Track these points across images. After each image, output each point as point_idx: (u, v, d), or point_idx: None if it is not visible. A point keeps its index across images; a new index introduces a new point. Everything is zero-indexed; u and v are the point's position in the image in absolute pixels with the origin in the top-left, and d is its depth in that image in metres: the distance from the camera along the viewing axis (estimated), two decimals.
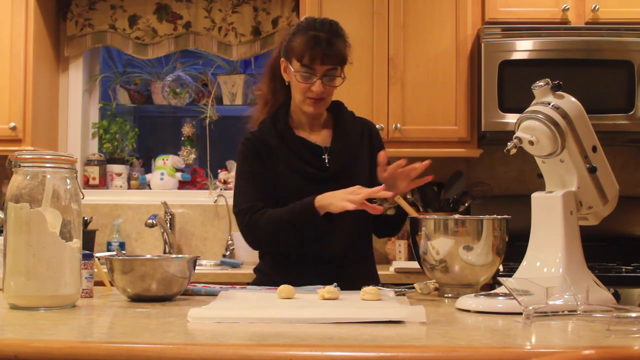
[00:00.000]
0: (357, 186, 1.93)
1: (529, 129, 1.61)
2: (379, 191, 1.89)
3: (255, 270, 2.24)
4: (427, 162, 2.01)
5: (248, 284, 2.13)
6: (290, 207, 2.00)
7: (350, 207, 1.89)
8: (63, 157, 1.58)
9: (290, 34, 2.12)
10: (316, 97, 2.08)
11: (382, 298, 1.66)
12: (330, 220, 1.96)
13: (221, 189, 3.79)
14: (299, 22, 2.16)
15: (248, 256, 3.47)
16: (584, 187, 1.64)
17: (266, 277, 2.14)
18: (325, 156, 2.14)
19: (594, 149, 1.63)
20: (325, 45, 2.04)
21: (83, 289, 1.69)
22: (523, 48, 3.25)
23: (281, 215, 2.01)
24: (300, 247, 2.06)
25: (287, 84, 2.16)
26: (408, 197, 2.02)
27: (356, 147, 2.18)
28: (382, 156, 2.02)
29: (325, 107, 2.17)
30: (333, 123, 2.22)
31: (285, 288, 1.69)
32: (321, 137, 2.19)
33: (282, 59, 2.14)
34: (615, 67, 3.23)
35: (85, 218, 3.62)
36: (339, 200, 1.91)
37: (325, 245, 2.07)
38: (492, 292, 1.63)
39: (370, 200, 1.93)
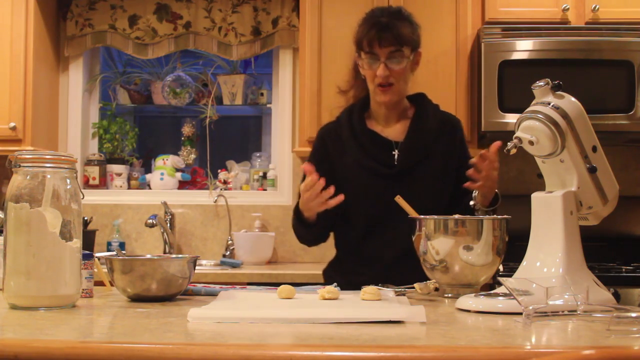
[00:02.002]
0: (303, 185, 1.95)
1: (529, 129, 1.61)
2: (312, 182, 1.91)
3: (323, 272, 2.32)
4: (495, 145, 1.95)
5: (253, 283, 2.15)
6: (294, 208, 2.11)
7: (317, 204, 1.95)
8: (63, 157, 1.58)
9: (357, 27, 2.12)
10: (382, 82, 2.06)
11: (382, 298, 1.66)
12: (308, 224, 2.05)
13: (221, 189, 3.79)
14: (367, 12, 2.15)
15: (248, 256, 3.47)
16: (584, 187, 1.63)
17: (330, 276, 2.20)
18: (395, 152, 2.12)
19: (594, 149, 1.63)
20: (383, 28, 2.03)
21: (83, 289, 1.69)
22: (523, 48, 3.25)
23: (293, 216, 2.13)
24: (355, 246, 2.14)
25: (363, 77, 2.15)
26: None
27: (431, 144, 2.13)
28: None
29: (397, 95, 2.12)
30: (412, 117, 2.17)
31: (285, 288, 1.69)
32: (396, 131, 2.16)
33: (356, 54, 2.13)
34: (615, 67, 3.23)
35: (85, 218, 3.62)
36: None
37: (379, 245, 2.08)
38: (492, 292, 1.63)
39: (470, 195, 1.94)
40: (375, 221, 2.11)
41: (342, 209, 2.09)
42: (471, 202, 1.93)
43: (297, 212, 2.09)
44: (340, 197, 1.93)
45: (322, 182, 1.91)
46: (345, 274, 2.13)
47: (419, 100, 2.20)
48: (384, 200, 2.04)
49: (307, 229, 2.10)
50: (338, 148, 2.15)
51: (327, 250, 2.35)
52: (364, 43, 2.05)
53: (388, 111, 2.16)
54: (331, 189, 1.92)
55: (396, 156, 2.11)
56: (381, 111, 2.16)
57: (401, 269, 2.00)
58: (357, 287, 1.78)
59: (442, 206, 2.07)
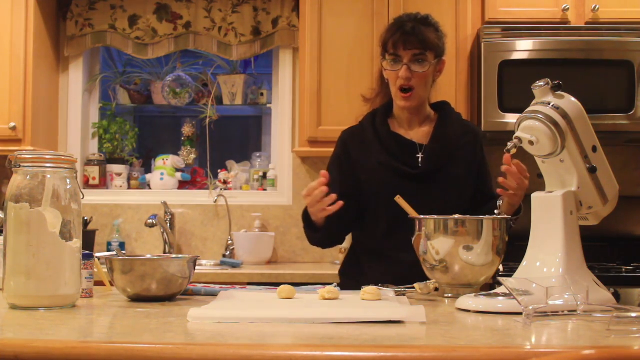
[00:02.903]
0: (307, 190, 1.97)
1: (529, 129, 1.61)
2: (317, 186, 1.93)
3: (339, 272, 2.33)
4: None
5: (253, 283, 2.16)
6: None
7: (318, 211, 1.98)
8: (63, 157, 1.58)
9: (384, 31, 2.16)
10: (404, 83, 2.08)
11: (382, 298, 1.66)
12: (315, 228, 2.06)
13: (221, 189, 3.79)
14: (394, 19, 2.20)
15: (248, 256, 3.47)
16: (584, 187, 1.63)
17: (347, 277, 2.23)
18: (420, 154, 2.14)
19: (594, 149, 1.63)
20: (409, 31, 2.06)
21: (83, 289, 1.69)
22: (523, 48, 3.25)
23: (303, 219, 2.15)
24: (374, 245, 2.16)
25: (386, 81, 2.18)
26: None
27: (454, 149, 2.15)
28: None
29: (419, 100, 2.14)
30: (436, 122, 2.20)
31: (285, 288, 1.69)
32: (419, 135, 2.18)
33: (381, 57, 2.17)
34: (615, 67, 3.23)
35: (85, 218, 3.62)
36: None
37: (400, 245, 2.06)
38: (492, 292, 1.63)
39: (495, 202, 1.93)
40: (397, 222, 2.12)
41: (355, 214, 2.13)
42: (496, 211, 1.92)
43: (306, 215, 2.10)
44: (340, 204, 1.94)
45: (324, 189, 1.92)
46: (363, 275, 2.14)
47: (443, 107, 2.24)
48: (406, 200, 2.05)
49: (315, 232, 2.12)
50: (362, 150, 2.18)
51: (327, 250, 2.36)
52: (388, 45, 2.09)
53: (411, 115, 2.19)
54: (333, 196, 1.93)
55: (420, 158, 2.13)
56: (404, 115, 2.19)
57: (420, 270, 2.00)
58: (387, 283, 1.82)
59: (461, 211, 2.06)
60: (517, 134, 1.63)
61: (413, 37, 2.06)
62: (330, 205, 1.94)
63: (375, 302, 1.62)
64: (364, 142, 2.18)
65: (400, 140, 2.16)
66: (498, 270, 1.89)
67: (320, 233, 2.10)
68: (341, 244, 2.34)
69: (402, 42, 2.06)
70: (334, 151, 2.27)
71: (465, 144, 2.19)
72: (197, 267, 1.78)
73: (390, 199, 2.08)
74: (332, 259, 3.61)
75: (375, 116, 2.21)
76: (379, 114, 2.20)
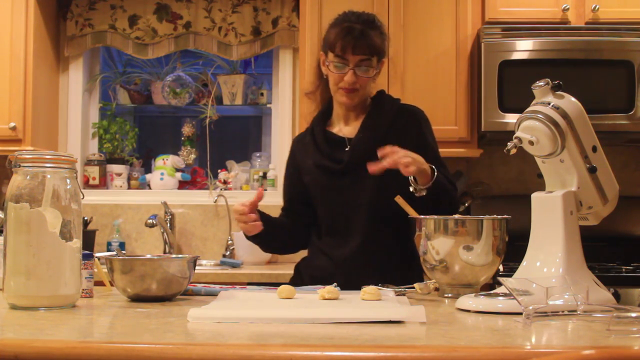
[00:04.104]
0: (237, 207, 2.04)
1: (529, 129, 1.61)
2: (245, 206, 2.03)
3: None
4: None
5: (253, 283, 2.17)
6: None
7: (243, 228, 2.06)
8: (63, 157, 1.58)
9: (329, 27, 2.17)
10: (348, 87, 2.10)
11: (382, 298, 1.66)
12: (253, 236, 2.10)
13: (221, 189, 3.79)
14: (338, 15, 2.19)
15: (248, 256, 3.47)
16: (584, 187, 1.63)
17: (299, 274, 2.26)
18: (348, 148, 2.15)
19: (594, 149, 1.63)
20: (358, 35, 2.07)
21: (83, 289, 1.69)
22: (523, 48, 3.25)
23: None
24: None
25: (325, 76, 2.18)
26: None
27: (384, 138, 2.09)
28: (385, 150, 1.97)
29: (360, 99, 2.16)
30: (367, 113, 2.19)
31: (285, 288, 1.69)
32: (351, 129, 2.19)
33: (321, 52, 2.18)
34: (615, 67, 3.23)
35: (85, 218, 3.62)
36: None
37: (343, 241, 2.11)
38: (492, 292, 1.63)
39: (407, 186, 1.97)
40: (335, 219, 2.16)
41: (310, 217, 2.21)
42: (410, 188, 1.97)
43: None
44: (258, 225, 2.04)
45: (242, 210, 2.02)
46: (311, 269, 2.21)
47: (377, 97, 2.22)
48: (339, 197, 2.12)
49: (253, 241, 2.17)
50: (304, 153, 2.22)
51: None
52: (336, 46, 2.08)
53: (347, 111, 2.20)
54: (252, 216, 2.04)
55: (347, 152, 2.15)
56: (341, 111, 2.20)
57: (355, 265, 2.08)
58: (320, 282, 1.85)
59: (404, 196, 1.98)
60: (517, 134, 1.63)
61: (362, 42, 2.07)
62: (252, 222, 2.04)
63: (375, 302, 1.62)
64: (305, 145, 2.22)
65: (330, 137, 2.18)
66: (498, 270, 1.89)
67: (257, 241, 2.16)
68: (297, 251, 2.37)
69: (350, 46, 2.07)
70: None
71: (401, 126, 2.16)
72: (197, 267, 1.78)
73: (325, 197, 2.12)
74: None
75: (316, 117, 2.24)
76: (320, 114, 2.24)
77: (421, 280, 1.93)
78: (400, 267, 2.09)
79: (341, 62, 2.09)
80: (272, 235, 2.15)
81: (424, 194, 1.97)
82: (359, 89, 2.12)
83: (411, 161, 1.92)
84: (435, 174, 1.99)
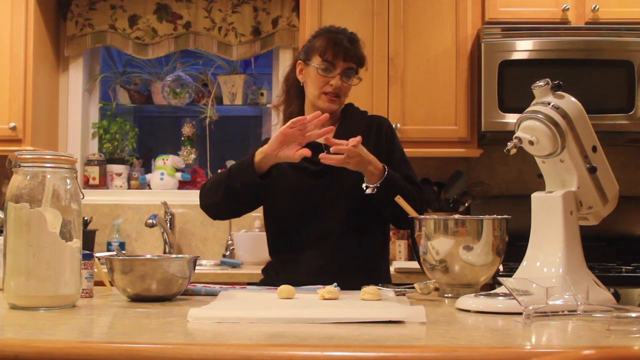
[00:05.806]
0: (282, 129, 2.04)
1: (529, 129, 1.61)
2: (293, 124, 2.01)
3: (262, 270, 2.33)
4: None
5: (253, 283, 2.16)
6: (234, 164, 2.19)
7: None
8: (63, 157, 1.58)
9: (311, 37, 2.25)
10: (333, 91, 2.16)
11: (382, 298, 1.66)
12: (263, 176, 2.07)
13: None
14: (320, 28, 2.30)
15: (248, 256, 3.47)
16: (584, 187, 1.63)
17: (271, 268, 2.25)
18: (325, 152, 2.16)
19: (594, 149, 1.63)
20: (348, 44, 2.17)
21: (83, 289, 1.69)
22: (523, 48, 3.25)
23: (223, 172, 2.20)
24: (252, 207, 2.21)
25: (301, 84, 2.24)
26: None
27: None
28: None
29: (340, 105, 2.24)
30: (339, 121, 2.26)
31: (285, 288, 1.69)
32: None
33: (299, 61, 2.23)
34: (615, 67, 3.23)
35: (85, 218, 3.62)
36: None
37: (322, 221, 2.13)
38: (492, 292, 1.63)
39: (360, 184, 2.04)
40: (304, 220, 2.17)
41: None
42: (363, 185, 2.05)
43: (242, 168, 2.13)
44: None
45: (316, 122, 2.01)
46: (280, 271, 2.19)
47: (347, 107, 2.30)
48: (311, 198, 2.16)
49: (248, 185, 2.10)
50: None
51: None
52: (327, 52, 2.15)
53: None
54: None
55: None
56: None
57: (344, 246, 2.11)
58: (292, 284, 1.79)
59: (369, 203, 2.11)
60: (517, 134, 1.63)
61: (352, 51, 2.17)
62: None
63: (375, 302, 1.62)
64: None
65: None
66: (498, 270, 1.89)
67: (248, 187, 2.10)
68: (239, 216, 2.37)
69: (342, 54, 2.15)
70: None
71: (369, 137, 2.21)
72: (197, 267, 1.78)
73: (295, 197, 2.17)
74: None
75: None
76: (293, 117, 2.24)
77: (388, 280, 2.10)
78: (363, 268, 2.15)
79: (329, 67, 2.16)
80: (249, 195, 2.15)
81: (374, 192, 2.04)
82: (341, 96, 2.19)
83: (352, 156, 1.98)
84: (386, 173, 2.05)
